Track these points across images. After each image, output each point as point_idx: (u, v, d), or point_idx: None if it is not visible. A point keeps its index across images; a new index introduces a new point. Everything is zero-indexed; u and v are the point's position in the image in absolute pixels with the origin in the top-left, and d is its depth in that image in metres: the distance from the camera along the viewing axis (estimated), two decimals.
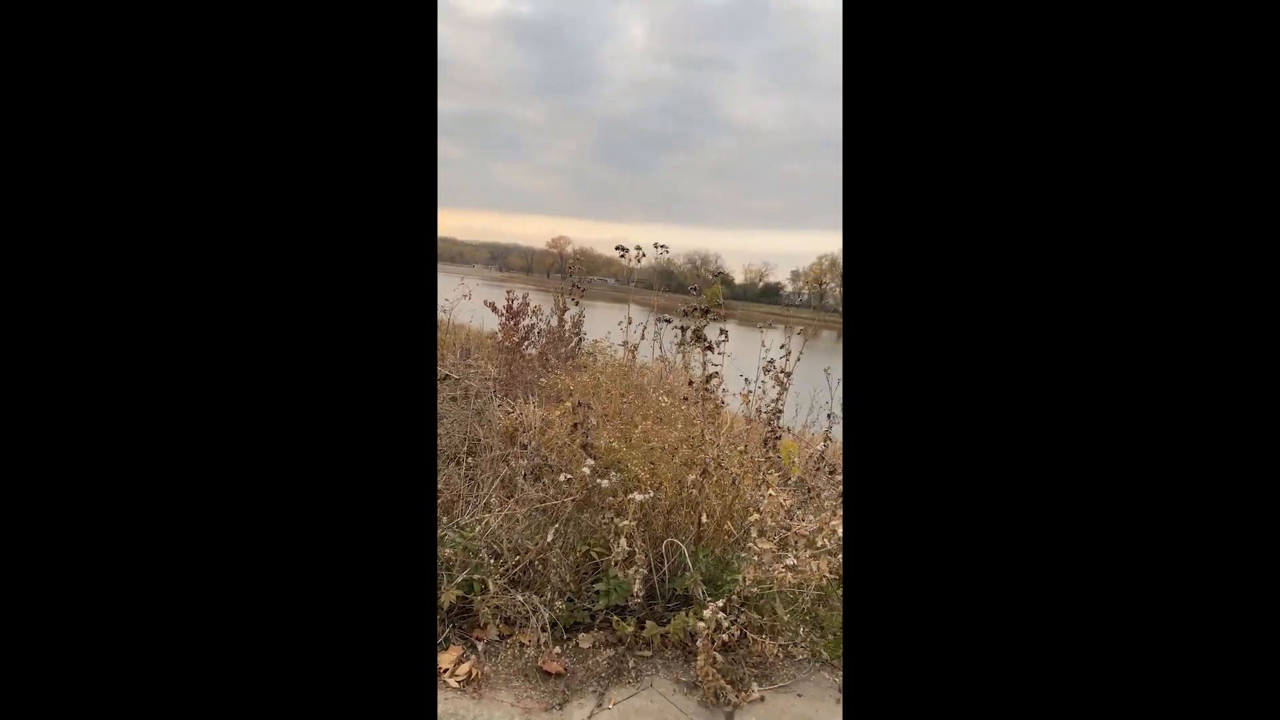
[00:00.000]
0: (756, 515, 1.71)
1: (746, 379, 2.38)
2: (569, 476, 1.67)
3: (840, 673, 1.79)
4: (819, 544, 1.69)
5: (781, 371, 2.24)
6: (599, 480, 1.65)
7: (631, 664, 1.71)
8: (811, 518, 1.66)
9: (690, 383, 2.02)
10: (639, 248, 2.07)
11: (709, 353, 1.98)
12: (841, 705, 1.65)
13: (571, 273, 3.09)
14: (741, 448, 2.02)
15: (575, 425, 1.67)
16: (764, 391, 2.16)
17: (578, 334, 3.30)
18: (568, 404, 1.74)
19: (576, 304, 2.76)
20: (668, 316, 2.07)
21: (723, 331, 2.23)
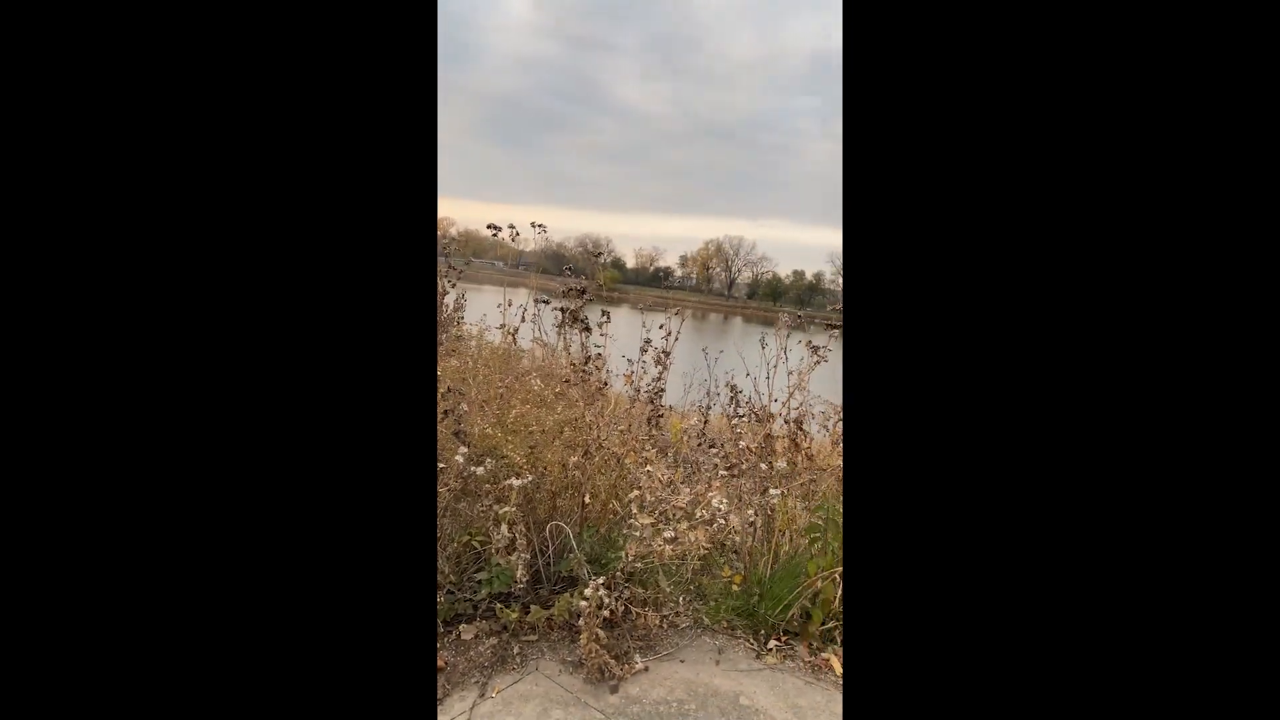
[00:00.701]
0: (637, 492, 1.74)
1: (630, 360, 2.41)
2: (442, 465, 1.60)
3: (719, 635, 1.89)
4: (697, 515, 1.76)
5: (663, 352, 2.28)
6: (474, 468, 1.60)
7: (516, 650, 1.69)
8: (687, 490, 1.73)
9: (572, 365, 2.00)
10: (513, 226, 2.00)
11: (588, 334, 1.97)
12: (719, 665, 1.74)
13: (448, 254, 2.95)
14: (623, 427, 2.05)
15: (446, 412, 1.60)
16: (645, 371, 2.20)
17: (458, 318, 3.16)
18: (440, 391, 1.67)
19: (453, 286, 2.65)
20: (546, 298, 2.03)
21: (604, 313, 2.24)
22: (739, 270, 66.53)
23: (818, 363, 2.00)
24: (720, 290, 65.20)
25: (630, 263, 67.90)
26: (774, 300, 57.02)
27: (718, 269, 67.05)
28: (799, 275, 65.03)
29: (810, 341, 2.05)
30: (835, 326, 2.05)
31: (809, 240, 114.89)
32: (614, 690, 1.58)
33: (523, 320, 2.16)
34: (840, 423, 2.28)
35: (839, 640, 1.87)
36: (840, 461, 2.07)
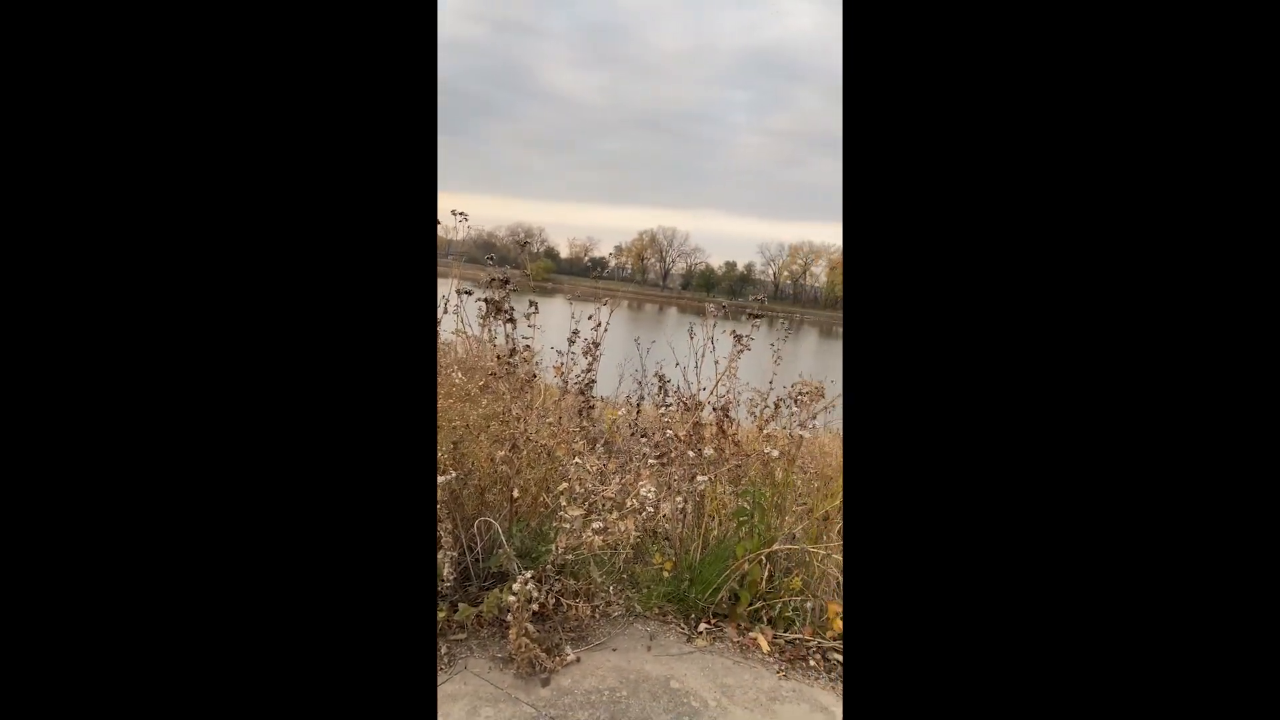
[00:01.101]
0: (566, 484, 1.73)
1: (560, 351, 2.38)
2: None
3: (651, 622, 1.92)
4: (627, 505, 1.77)
5: (592, 343, 2.27)
6: None
7: (444, 649, 1.65)
8: (617, 480, 1.73)
9: (498, 358, 1.96)
10: None
11: (511, 325, 1.93)
12: (650, 651, 1.77)
13: None
14: (552, 420, 2.03)
15: None
16: (574, 363, 2.19)
17: None
18: None
19: None
20: (469, 289, 1.98)
21: (532, 303, 2.20)
22: (673, 261, 67.29)
23: (741, 352, 2.05)
24: (655, 281, 65.70)
25: (564, 252, 67.32)
26: (708, 290, 58.06)
27: (652, 259, 67.49)
28: (731, 266, 66.53)
29: (734, 331, 2.10)
30: (757, 316, 2.11)
31: (740, 231, 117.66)
32: (545, 683, 1.57)
33: (444, 311, 2.09)
34: (765, 409, 2.35)
35: (765, 620, 1.94)
36: (766, 448, 2.14)
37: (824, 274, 63.37)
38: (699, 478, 1.90)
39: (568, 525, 1.71)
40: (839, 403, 2.42)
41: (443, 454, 1.66)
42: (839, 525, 2.17)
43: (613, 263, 68.18)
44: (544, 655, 1.60)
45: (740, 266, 65.88)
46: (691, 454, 1.96)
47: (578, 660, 1.67)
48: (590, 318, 2.14)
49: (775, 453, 2.07)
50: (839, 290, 61.57)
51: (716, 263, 67.19)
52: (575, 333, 2.07)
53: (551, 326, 2.47)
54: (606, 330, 2.16)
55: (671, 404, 2.17)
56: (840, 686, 1.74)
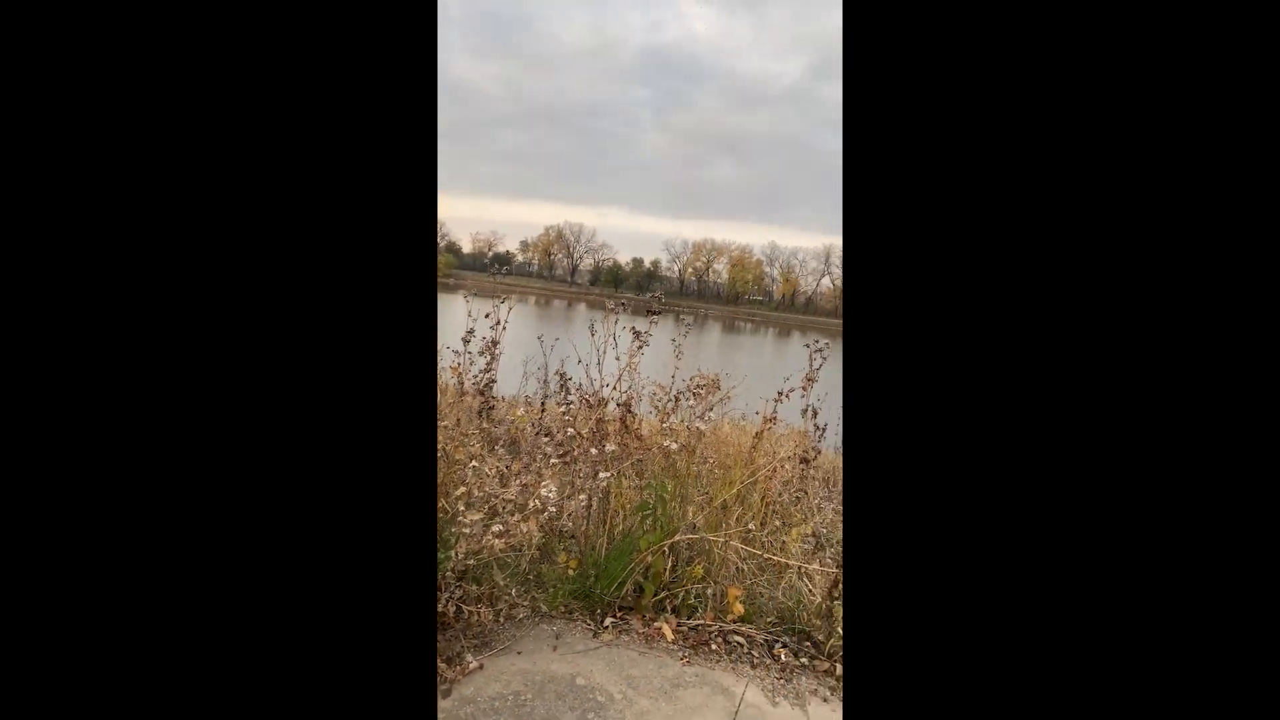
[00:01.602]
0: (463, 488, 1.68)
1: (456, 351, 2.31)
2: None
3: (557, 621, 1.91)
4: (529, 506, 1.75)
5: (491, 342, 2.22)
6: None
7: None
8: (518, 482, 1.71)
9: None
10: None
11: None
12: (556, 650, 1.76)
13: None
14: (448, 422, 1.96)
15: None
16: (472, 362, 2.12)
17: None
18: None
19: None
20: None
21: None
22: (580, 257, 67.01)
23: (640, 348, 2.08)
24: (564, 277, 65.14)
25: (466, 248, 65.17)
26: (616, 286, 58.37)
27: (560, 255, 66.84)
28: (638, 262, 67.24)
29: (634, 328, 2.12)
30: (654, 312, 2.15)
31: (646, 228, 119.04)
32: (446, 695, 1.52)
33: None
34: (669, 401, 2.40)
35: (669, 608, 1.99)
36: (667, 442, 2.19)
37: (725, 270, 65.68)
38: (602, 474, 1.91)
39: (467, 530, 1.66)
40: (734, 394, 2.52)
41: None
42: (738, 513, 2.27)
43: (520, 258, 66.84)
44: (444, 666, 1.54)
45: (647, 263, 66.78)
46: (594, 451, 1.96)
47: (480, 667, 1.63)
48: (488, 315, 2.09)
49: (675, 446, 2.12)
50: (740, 286, 64.11)
51: (624, 259, 67.72)
52: (471, 331, 2.01)
53: (452, 325, 2.38)
54: (506, 328, 2.11)
55: (574, 401, 2.16)
56: (739, 667, 1.82)
